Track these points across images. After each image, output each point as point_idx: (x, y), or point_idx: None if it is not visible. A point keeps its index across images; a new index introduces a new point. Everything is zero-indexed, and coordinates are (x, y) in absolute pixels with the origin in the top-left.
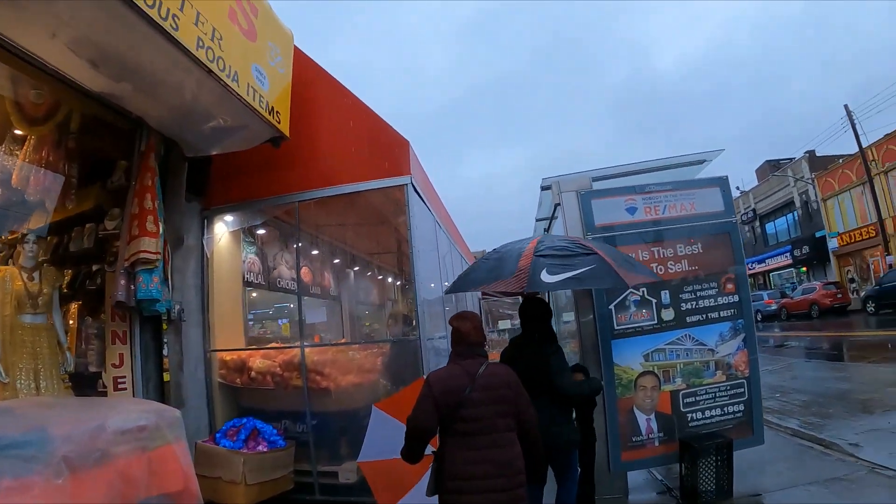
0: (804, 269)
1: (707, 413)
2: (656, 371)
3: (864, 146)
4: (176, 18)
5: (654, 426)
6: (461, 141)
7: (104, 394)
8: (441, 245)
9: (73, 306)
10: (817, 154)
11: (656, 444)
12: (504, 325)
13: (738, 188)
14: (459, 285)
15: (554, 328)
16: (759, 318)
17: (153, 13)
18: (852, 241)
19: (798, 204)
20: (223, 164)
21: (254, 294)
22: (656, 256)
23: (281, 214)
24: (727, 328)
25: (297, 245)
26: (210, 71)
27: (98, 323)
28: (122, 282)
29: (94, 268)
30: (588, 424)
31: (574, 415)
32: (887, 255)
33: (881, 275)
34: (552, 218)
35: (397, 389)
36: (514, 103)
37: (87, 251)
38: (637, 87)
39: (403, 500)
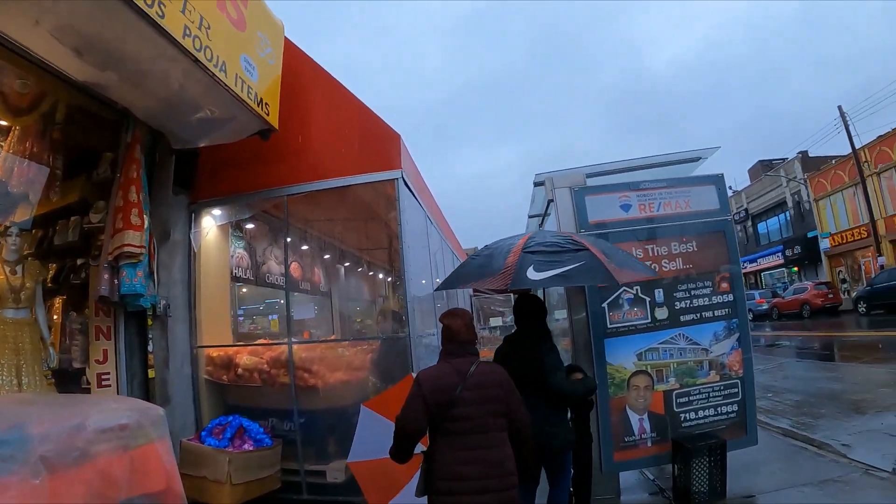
0: (796, 269)
1: (700, 413)
2: (649, 370)
3: (857, 147)
4: (162, 6)
5: (647, 426)
6: (455, 138)
7: (88, 391)
8: (432, 241)
9: (58, 301)
10: (810, 155)
11: (649, 444)
12: (496, 322)
13: (730, 188)
14: (449, 282)
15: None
16: (750, 318)
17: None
18: (844, 241)
19: (790, 204)
20: (211, 157)
21: (244, 290)
22: (650, 254)
23: (270, 208)
24: (721, 327)
25: (286, 240)
26: (197, 60)
27: (82, 318)
28: (106, 276)
29: (79, 262)
30: (584, 425)
31: (570, 415)
32: (879, 256)
33: (872, 276)
34: (545, 214)
35: (386, 387)
36: (508, 101)
37: (72, 245)
38: (631, 85)
39: (394, 501)
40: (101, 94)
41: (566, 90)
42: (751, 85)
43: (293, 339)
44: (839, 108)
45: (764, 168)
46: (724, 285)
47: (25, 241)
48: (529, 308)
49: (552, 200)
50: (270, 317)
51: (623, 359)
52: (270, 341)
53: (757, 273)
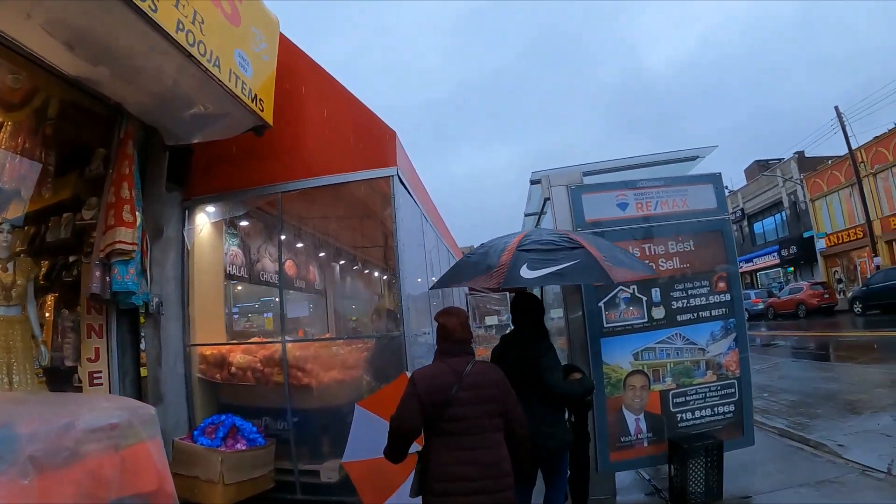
0: (791, 269)
1: (697, 413)
2: (646, 370)
3: (853, 148)
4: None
5: (643, 426)
6: (452, 137)
7: (80, 389)
8: (427, 239)
9: (50, 298)
10: (806, 155)
11: (645, 444)
12: (491, 320)
13: (726, 187)
14: (444, 281)
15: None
16: (746, 317)
17: None
18: (840, 242)
19: (786, 204)
20: (205, 154)
21: (239, 287)
22: (647, 253)
23: (264, 206)
24: (718, 327)
25: (281, 237)
26: (190, 55)
27: (74, 316)
28: (98, 273)
29: (71, 259)
30: (583, 426)
31: (568, 415)
32: (875, 256)
33: (868, 276)
34: (541, 213)
35: (380, 387)
36: (506, 100)
37: (65, 242)
38: (629, 85)
39: (390, 501)
40: (94, 89)
41: (564, 90)
42: (748, 85)
43: (287, 338)
44: (836, 108)
45: (760, 168)
46: (722, 285)
47: (17, 237)
48: (526, 306)
49: (549, 199)
50: (266, 315)
51: (619, 358)
52: (264, 339)
53: (753, 273)
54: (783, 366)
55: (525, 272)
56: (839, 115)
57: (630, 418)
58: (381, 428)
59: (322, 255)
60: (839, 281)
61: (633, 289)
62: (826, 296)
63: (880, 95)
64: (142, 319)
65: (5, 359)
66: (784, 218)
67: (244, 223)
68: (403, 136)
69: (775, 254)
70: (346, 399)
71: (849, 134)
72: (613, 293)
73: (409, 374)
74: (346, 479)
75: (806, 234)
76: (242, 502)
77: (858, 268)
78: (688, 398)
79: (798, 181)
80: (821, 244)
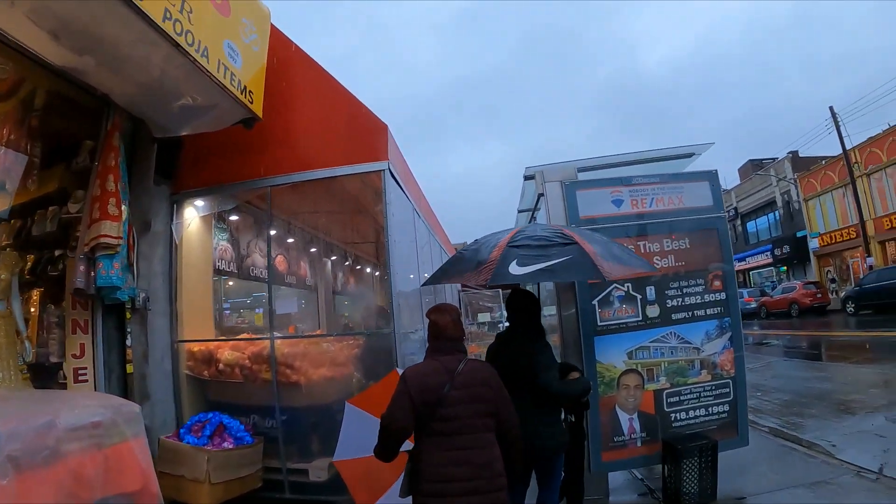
0: (784, 268)
1: (691, 413)
2: (640, 369)
3: (847, 148)
4: None
5: (637, 426)
6: (445, 133)
7: (65, 386)
8: (419, 235)
9: (35, 293)
10: (800, 155)
11: (638, 444)
12: (483, 317)
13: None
14: (435, 278)
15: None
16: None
17: None
18: (833, 241)
19: (780, 203)
20: (194, 147)
21: (230, 283)
22: (642, 251)
23: (254, 200)
24: (713, 326)
25: (270, 232)
26: (177, 45)
27: (60, 311)
28: (82, 268)
29: (57, 253)
30: (580, 426)
31: (565, 416)
32: (867, 256)
33: (861, 276)
34: (535, 209)
35: (370, 384)
36: (499, 97)
37: (50, 235)
38: (624, 84)
39: (382, 499)
40: (80, 79)
41: (560, 88)
42: (743, 85)
43: (276, 334)
44: (831, 108)
45: (754, 167)
46: (717, 283)
47: (2, 231)
48: (521, 303)
49: (542, 195)
50: (257, 310)
51: (613, 357)
52: (253, 336)
53: (745, 272)
54: (776, 365)
55: (514, 269)
56: (834, 115)
57: (623, 418)
58: (373, 426)
59: (313, 250)
60: (832, 281)
61: (628, 287)
62: (819, 295)
63: (874, 97)
64: (128, 315)
65: None
66: (777, 217)
67: (234, 217)
68: (396, 132)
69: (768, 253)
70: (335, 397)
71: (843, 134)
72: (607, 291)
73: (399, 371)
74: (334, 479)
75: (799, 234)
76: (230, 502)
77: (851, 268)
78: (682, 398)
79: (792, 181)
80: (814, 244)
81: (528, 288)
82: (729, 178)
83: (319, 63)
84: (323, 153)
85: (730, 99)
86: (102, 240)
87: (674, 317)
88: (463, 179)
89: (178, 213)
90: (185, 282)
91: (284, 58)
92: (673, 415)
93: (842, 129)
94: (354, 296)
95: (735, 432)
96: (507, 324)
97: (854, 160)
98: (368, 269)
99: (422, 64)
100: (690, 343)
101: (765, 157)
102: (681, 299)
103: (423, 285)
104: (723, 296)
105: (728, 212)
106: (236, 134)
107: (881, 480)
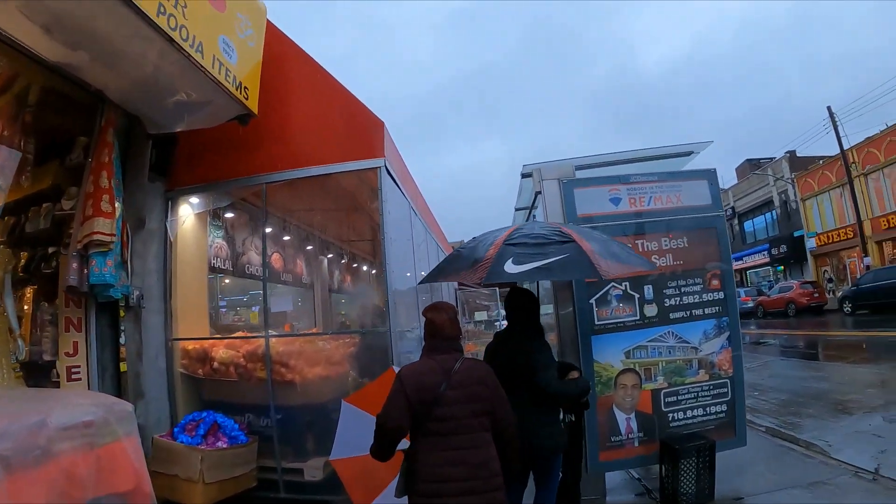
0: (781, 267)
1: (689, 413)
2: (637, 369)
3: (845, 148)
4: None
5: (634, 426)
6: (442, 132)
7: (58, 384)
8: (416, 233)
9: (29, 291)
10: (798, 154)
11: (636, 444)
12: (480, 316)
13: None
14: (432, 276)
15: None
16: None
17: None
18: (830, 241)
19: (777, 203)
20: (189, 143)
21: (226, 280)
22: (640, 249)
23: (249, 197)
24: (711, 326)
25: (265, 229)
26: (171, 40)
27: (54, 309)
28: (75, 265)
29: (51, 250)
30: (579, 425)
31: (563, 416)
32: (865, 256)
33: (858, 276)
34: (532, 207)
35: (366, 383)
36: (496, 95)
37: (44, 232)
38: (621, 84)
39: (379, 498)
40: (74, 75)
41: (557, 86)
42: (740, 84)
43: (271, 333)
44: (828, 108)
45: (751, 167)
46: (715, 282)
47: None
48: (519, 302)
49: (540, 192)
50: (253, 308)
51: (610, 356)
52: (248, 334)
53: (742, 271)
54: (773, 364)
55: (510, 267)
56: (832, 115)
57: (621, 417)
58: (369, 424)
59: (310, 248)
60: (829, 280)
61: (626, 285)
62: (816, 295)
63: (872, 97)
64: (122, 313)
65: None
66: (774, 217)
67: (229, 215)
68: (395, 131)
69: (765, 252)
70: (330, 396)
71: (841, 134)
72: (605, 290)
73: (396, 370)
74: (330, 478)
75: (796, 234)
76: (224, 501)
77: (848, 268)
78: (680, 397)
79: (789, 180)
80: (811, 243)
81: (525, 286)
82: (726, 178)
83: (316, 60)
84: (319, 150)
85: (727, 99)
86: (95, 237)
87: (672, 316)
88: (460, 178)
89: (173, 210)
90: (179, 279)
91: (280, 54)
92: (670, 415)
93: (840, 129)
94: (351, 294)
95: (733, 432)
96: (504, 322)
97: (852, 160)
98: (365, 268)
99: (420, 63)
100: (688, 342)
101: (762, 157)
102: (679, 298)
103: (420, 283)
104: (721, 295)
105: (725, 211)
106: (232, 130)
107: (879, 481)
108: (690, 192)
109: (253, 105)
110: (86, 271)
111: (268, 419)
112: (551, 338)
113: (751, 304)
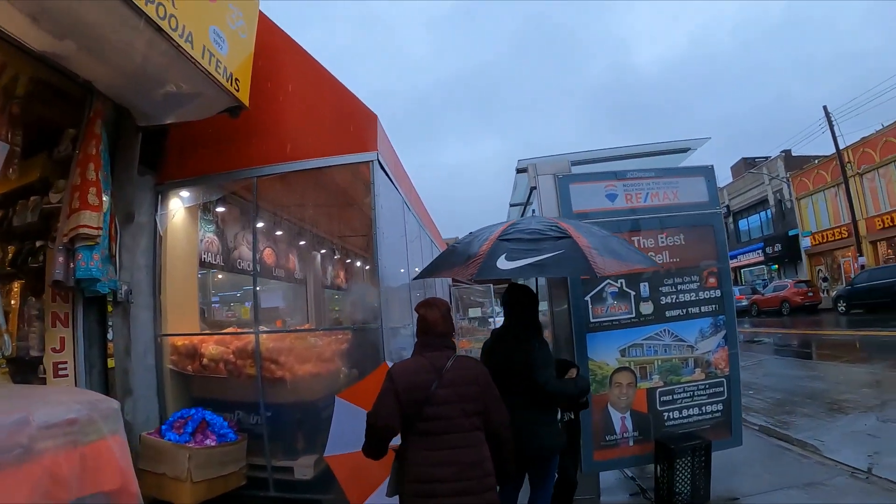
0: (776, 266)
1: (684, 412)
2: (633, 367)
3: (840, 148)
4: None
5: (629, 425)
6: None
7: (45, 380)
8: (409, 228)
9: (16, 285)
10: (793, 154)
11: (631, 443)
12: (475, 313)
13: None
14: (427, 272)
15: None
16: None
17: None
18: (825, 241)
19: (772, 202)
20: (179, 135)
21: (219, 276)
22: (636, 246)
23: (241, 191)
24: (708, 324)
25: (255, 224)
26: (160, 29)
27: (40, 304)
28: (61, 259)
29: (38, 244)
30: (577, 426)
31: (561, 415)
32: (859, 255)
33: (853, 275)
34: (527, 203)
35: (357, 381)
36: (493, 93)
37: (32, 226)
38: (615, 81)
39: (374, 495)
40: (62, 65)
41: (553, 85)
42: (736, 83)
43: (261, 328)
44: (824, 108)
45: (747, 165)
46: (712, 280)
47: None
48: (515, 298)
49: (535, 188)
50: (246, 304)
51: (606, 355)
52: (238, 330)
53: (737, 270)
54: (767, 363)
55: (502, 263)
56: (828, 114)
57: (615, 416)
58: (364, 419)
59: (302, 243)
60: (823, 280)
61: (621, 283)
62: (810, 294)
63: (868, 97)
64: (109, 308)
65: None
66: (769, 216)
67: (220, 209)
68: (389, 126)
69: (760, 251)
70: (321, 393)
71: (836, 134)
72: (601, 287)
73: (390, 365)
74: (320, 476)
75: (791, 233)
76: (213, 500)
77: (842, 267)
78: (675, 396)
79: (784, 179)
80: (806, 243)
81: (521, 282)
82: (721, 177)
83: (309, 53)
84: (311, 143)
85: (722, 98)
86: (82, 230)
87: (668, 314)
88: (455, 174)
89: (163, 204)
90: (169, 274)
91: (272, 46)
92: (666, 414)
93: (835, 128)
94: (344, 290)
95: (729, 432)
96: (498, 319)
97: (847, 160)
98: (359, 263)
99: (416, 60)
100: (684, 341)
101: (757, 156)
102: (675, 296)
103: (415, 278)
104: (717, 293)
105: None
106: (222, 123)
107: (876, 482)
108: (687, 189)
109: (244, 97)
110: (72, 265)
111: (258, 416)
112: (546, 335)
113: (745, 303)
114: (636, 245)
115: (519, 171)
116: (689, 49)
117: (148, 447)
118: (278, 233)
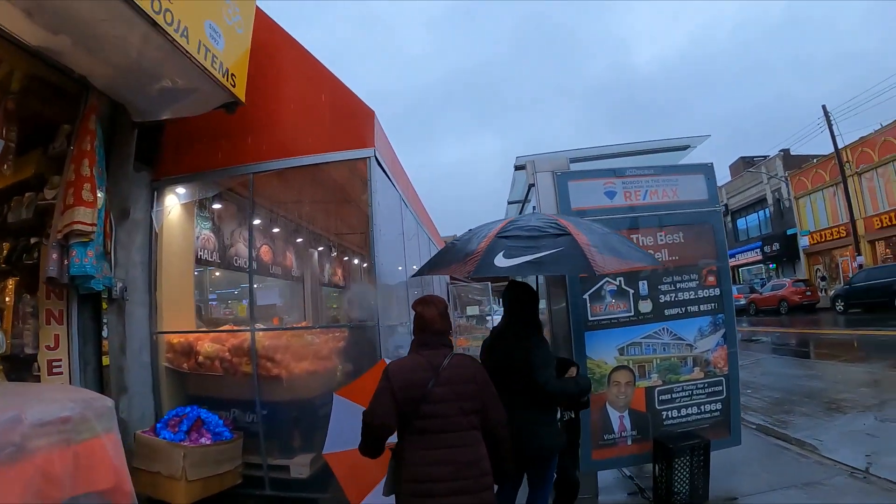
0: (774, 265)
1: (683, 411)
2: (631, 366)
3: (839, 147)
4: None
5: (628, 424)
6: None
7: (39, 378)
8: (407, 226)
9: (11, 282)
10: (792, 153)
11: (629, 442)
12: (472, 310)
13: None
14: (426, 268)
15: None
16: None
17: None
18: (823, 240)
19: (770, 201)
20: (175, 132)
21: (216, 273)
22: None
23: (237, 187)
24: (707, 323)
25: (252, 221)
26: (155, 23)
27: (35, 301)
28: (55, 255)
29: (33, 240)
30: (577, 425)
31: (561, 414)
32: (857, 255)
33: (851, 274)
34: (525, 200)
35: (353, 378)
36: (491, 91)
37: (27, 223)
38: (614, 80)
39: (373, 493)
40: (57, 60)
41: (553, 84)
42: (735, 83)
43: (257, 326)
44: (823, 107)
45: (745, 164)
46: (711, 279)
47: None
48: (517, 295)
49: (533, 185)
50: (244, 301)
51: (604, 353)
52: (234, 328)
53: (735, 268)
54: (765, 362)
55: (499, 261)
56: (826, 114)
57: (614, 415)
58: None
59: (299, 241)
60: (821, 279)
61: (620, 281)
62: (808, 293)
63: (867, 97)
64: (104, 305)
65: None
66: (768, 215)
67: (217, 206)
68: (387, 124)
69: (758, 250)
70: (318, 391)
71: (835, 133)
72: (599, 285)
73: (388, 362)
74: (316, 475)
75: (789, 232)
76: (208, 499)
77: (840, 266)
78: (674, 395)
79: (783, 179)
80: (804, 242)
81: (519, 279)
82: (720, 175)
83: (307, 49)
84: (307, 139)
85: (722, 97)
86: (76, 226)
87: (666, 312)
88: (454, 172)
89: (159, 201)
90: (165, 271)
91: (269, 41)
92: (664, 413)
93: (834, 128)
94: (342, 287)
95: (727, 431)
96: (496, 317)
97: (845, 159)
98: (356, 261)
99: (415, 59)
100: (683, 339)
101: (756, 155)
102: (674, 294)
103: (413, 276)
104: (717, 291)
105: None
106: (218, 119)
107: (874, 482)
108: (687, 187)
109: (240, 93)
110: (66, 262)
111: (253, 415)
112: (544, 333)
113: (743, 302)
114: (635, 242)
115: (517, 167)
116: (688, 49)
117: (143, 445)
118: (275, 230)
